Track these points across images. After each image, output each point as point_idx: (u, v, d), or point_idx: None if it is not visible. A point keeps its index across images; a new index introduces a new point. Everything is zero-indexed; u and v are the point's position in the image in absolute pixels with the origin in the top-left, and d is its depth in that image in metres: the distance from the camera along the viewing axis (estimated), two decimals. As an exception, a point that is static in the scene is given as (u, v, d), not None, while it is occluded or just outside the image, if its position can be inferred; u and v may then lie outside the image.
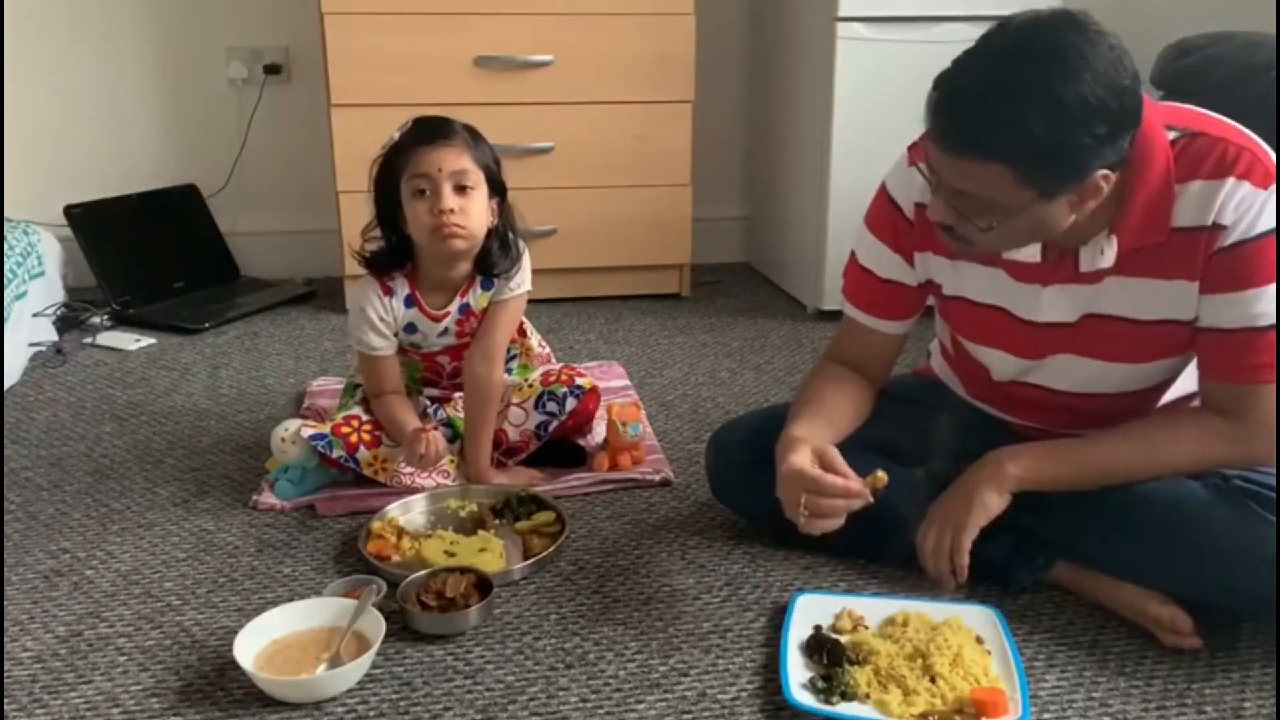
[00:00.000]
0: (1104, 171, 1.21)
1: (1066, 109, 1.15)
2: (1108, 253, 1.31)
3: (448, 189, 1.67)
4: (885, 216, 1.49)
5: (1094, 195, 1.23)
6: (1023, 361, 1.46)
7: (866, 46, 2.58)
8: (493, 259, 1.78)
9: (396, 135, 1.71)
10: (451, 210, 1.67)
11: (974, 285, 1.44)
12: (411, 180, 1.69)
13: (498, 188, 1.75)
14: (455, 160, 1.68)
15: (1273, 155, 1.28)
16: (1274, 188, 1.25)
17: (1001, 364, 1.50)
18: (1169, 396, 1.48)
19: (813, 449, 1.37)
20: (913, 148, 1.44)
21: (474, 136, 1.73)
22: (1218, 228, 1.27)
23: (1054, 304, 1.39)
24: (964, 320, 1.51)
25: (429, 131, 1.70)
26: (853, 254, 1.56)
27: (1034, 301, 1.40)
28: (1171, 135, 1.28)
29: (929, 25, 2.59)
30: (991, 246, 1.33)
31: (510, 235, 1.80)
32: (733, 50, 3.18)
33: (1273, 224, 1.26)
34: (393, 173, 1.71)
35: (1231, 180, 1.25)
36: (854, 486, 1.33)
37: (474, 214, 1.70)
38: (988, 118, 1.17)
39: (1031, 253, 1.35)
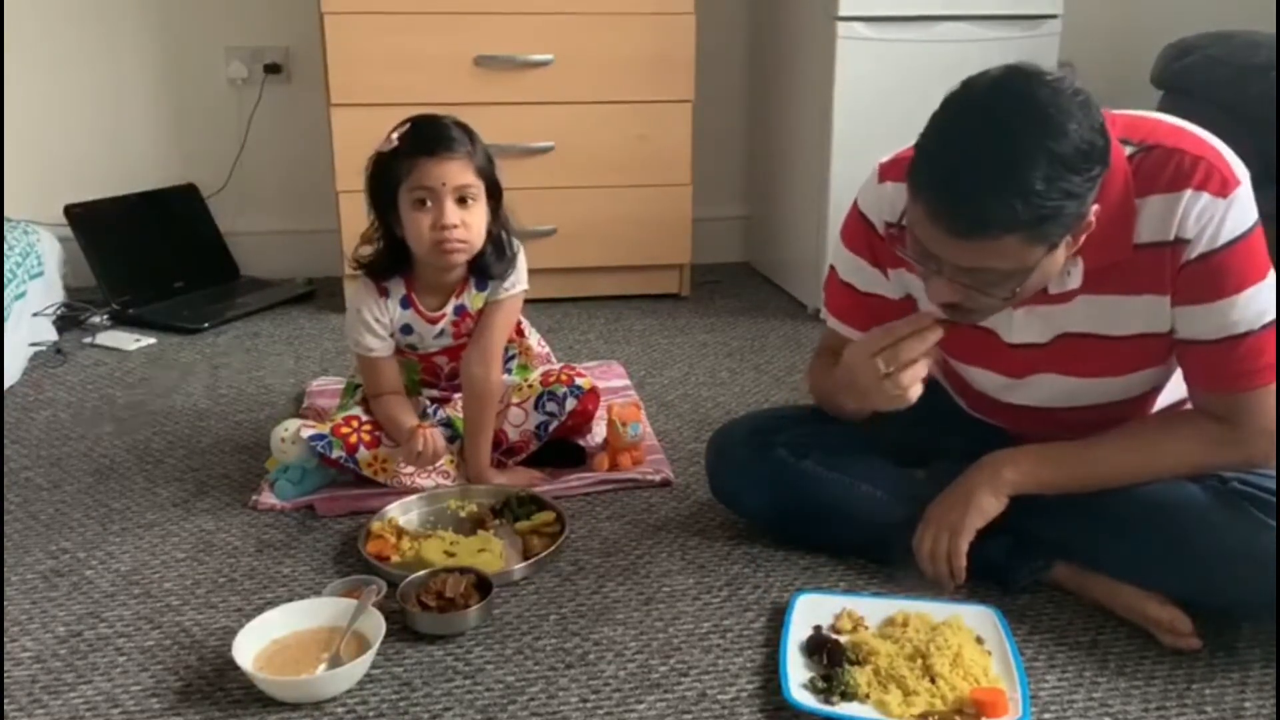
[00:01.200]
0: (1095, 206, 1.21)
1: (1066, 162, 1.13)
2: (1074, 274, 1.31)
3: (450, 203, 1.67)
4: (860, 233, 1.47)
5: (1087, 230, 1.22)
6: (1004, 379, 1.46)
7: (866, 46, 2.58)
8: (488, 263, 1.78)
9: (395, 139, 1.69)
10: (454, 225, 1.67)
11: None
12: (413, 190, 1.67)
13: (494, 192, 1.74)
14: (459, 174, 1.67)
15: (1231, 160, 1.27)
16: (1234, 195, 1.24)
17: (985, 380, 1.50)
18: (1167, 399, 1.48)
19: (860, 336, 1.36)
20: (884, 165, 1.43)
21: (471, 139, 1.71)
22: (1181, 242, 1.26)
23: (1026, 326, 1.38)
24: (945, 338, 1.50)
25: (431, 140, 1.68)
26: (832, 269, 1.55)
27: (1007, 323, 1.39)
28: (1128, 150, 1.27)
29: (929, 25, 2.60)
30: (1004, 308, 1.31)
31: (505, 237, 1.80)
32: (733, 50, 3.18)
33: (1237, 232, 1.25)
34: (390, 177, 1.69)
35: (1189, 192, 1.24)
36: (915, 320, 1.32)
37: (475, 226, 1.70)
38: (992, 197, 1.13)
39: None
